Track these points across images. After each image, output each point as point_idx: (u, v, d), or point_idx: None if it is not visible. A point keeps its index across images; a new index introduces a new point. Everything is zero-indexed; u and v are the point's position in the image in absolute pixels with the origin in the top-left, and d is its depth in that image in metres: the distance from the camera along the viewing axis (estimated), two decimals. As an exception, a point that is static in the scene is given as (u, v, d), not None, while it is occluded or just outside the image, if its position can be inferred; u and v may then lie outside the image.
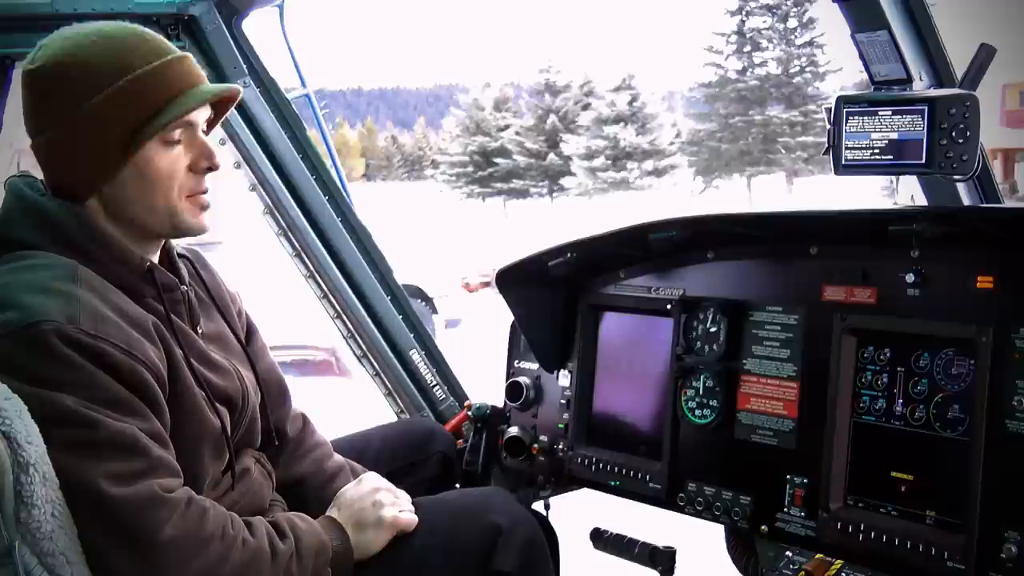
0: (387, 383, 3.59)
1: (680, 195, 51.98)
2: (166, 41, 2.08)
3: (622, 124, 53.90)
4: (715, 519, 2.60)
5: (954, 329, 2.16)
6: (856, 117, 2.36)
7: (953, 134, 2.22)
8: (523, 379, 3.11)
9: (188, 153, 2.06)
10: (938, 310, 2.19)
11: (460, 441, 3.23)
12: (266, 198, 3.36)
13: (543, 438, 3.07)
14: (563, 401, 3.02)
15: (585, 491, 3.04)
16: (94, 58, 1.97)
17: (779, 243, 2.52)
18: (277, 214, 3.38)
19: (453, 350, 3.92)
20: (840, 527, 2.29)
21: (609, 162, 53.61)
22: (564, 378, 3.04)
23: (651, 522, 2.92)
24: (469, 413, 3.25)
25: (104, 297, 1.91)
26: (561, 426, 3.01)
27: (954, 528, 2.11)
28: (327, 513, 2.28)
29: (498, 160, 61.45)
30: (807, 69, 53.54)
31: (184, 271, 2.22)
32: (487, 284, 16.56)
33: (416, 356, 3.58)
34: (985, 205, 2.63)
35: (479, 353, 5.25)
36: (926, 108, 2.25)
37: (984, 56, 2.34)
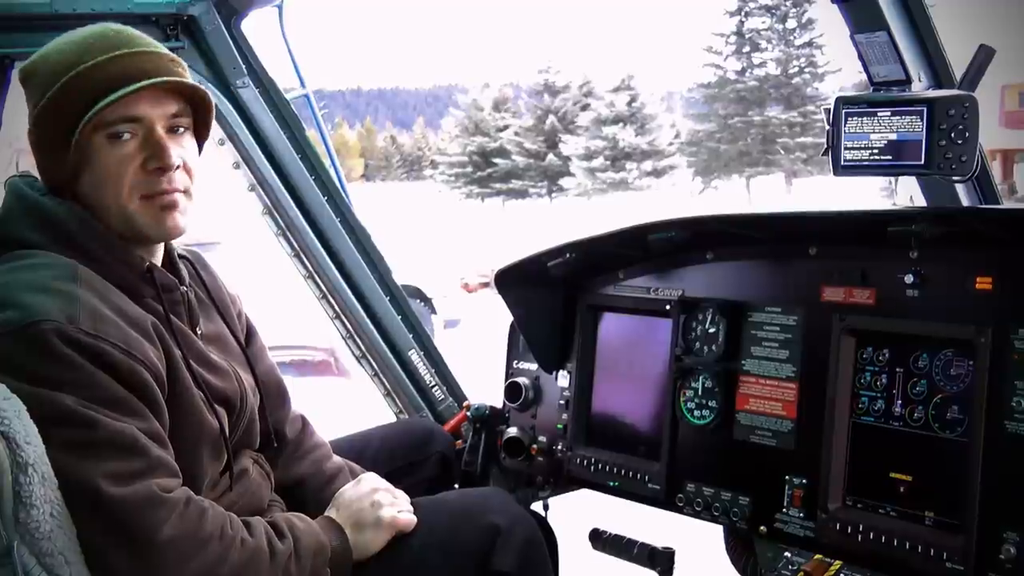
0: (386, 383, 3.59)
1: (679, 196, 51.99)
2: (139, 38, 2.06)
3: (621, 125, 53.94)
4: (714, 520, 2.60)
5: (953, 330, 2.16)
6: (855, 118, 2.36)
7: (952, 135, 2.22)
8: (522, 379, 3.11)
9: (141, 151, 2.01)
10: (937, 311, 2.19)
11: (459, 442, 3.22)
12: (265, 198, 3.36)
13: (542, 438, 3.07)
14: (562, 402, 3.02)
15: (584, 491, 3.04)
16: (55, 56, 2.01)
17: (778, 244, 2.52)
18: (276, 214, 3.38)
19: (452, 351, 3.92)
20: (839, 528, 2.29)
21: (608, 163, 53.65)
22: (563, 379, 3.04)
23: (650, 523, 2.92)
24: (468, 413, 3.25)
25: (104, 297, 1.91)
26: (560, 427, 3.01)
27: (953, 529, 2.11)
28: (326, 513, 2.28)
29: (497, 160, 61.47)
30: (806, 70, 53.64)
31: (184, 272, 2.22)
32: (486, 284, 16.56)
33: (415, 356, 3.58)
34: (984, 206, 2.63)
35: (478, 353, 5.24)
36: (925, 109, 2.25)
37: (983, 57, 2.34)
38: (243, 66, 3.23)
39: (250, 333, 2.50)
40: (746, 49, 54.28)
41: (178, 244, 2.27)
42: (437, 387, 3.60)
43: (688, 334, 2.67)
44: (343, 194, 3.49)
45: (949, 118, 2.23)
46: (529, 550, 2.32)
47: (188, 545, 1.85)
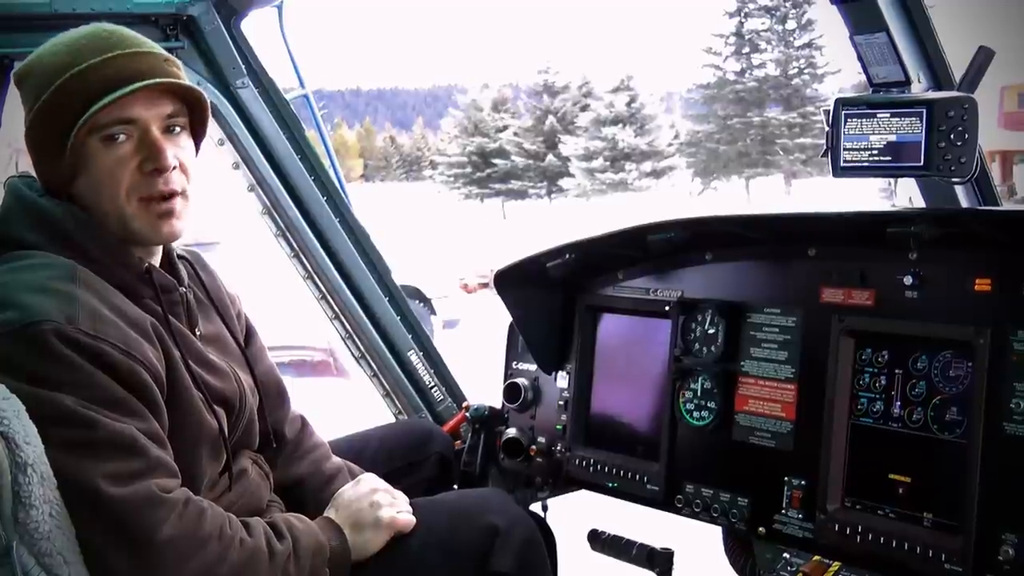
0: (385, 384, 3.59)
1: (678, 196, 51.98)
2: (132, 38, 2.05)
3: (620, 125, 53.88)
4: (713, 521, 2.60)
5: (952, 331, 2.16)
6: (854, 119, 2.36)
7: (951, 136, 2.22)
8: (521, 380, 3.11)
9: (137, 153, 2.01)
10: (936, 312, 2.19)
11: (458, 442, 3.23)
12: (264, 199, 3.36)
13: (541, 439, 3.07)
14: (561, 402, 3.02)
15: (583, 492, 3.04)
16: (46, 59, 2.01)
17: (777, 245, 2.52)
18: (275, 215, 3.38)
19: (451, 351, 3.92)
20: (838, 529, 2.29)
21: (607, 163, 53.61)
22: (562, 379, 3.04)
23: (649, 523, 2.92)
24: (467, 414, 3.25)
25: (103, 297, 1.91)
26: (559, 427, 3.01)
27: (952, 530, 2.11)
28: (325, 514, 2.28)
29: (496, 161, 61.42)
30: (806, 71, 53.63)
31: (183, 273, 2.22)
32: (485, 285, 16.57)
33: (414, 357, 3.58)
34: (983, 207, 2.63)
35: (477, 354, 5.24)
36: (924, 110, 2.26)
37: (983, 58, 2.34)
38: (242, 66, 3.23)
39: (249, 333, 2.50)
40: (745, 50, 54.28)
41: (177, 244, 2.27)
42: (436, 388, 3.60)
43: (687, 335, 2.67)
44: (342, 194, 3.49)
45: (948, 119, 2.23)
46: (528, 551, 2.32)
47: (187, 545, 1.85)
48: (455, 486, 3.05)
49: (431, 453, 2.92)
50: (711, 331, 2.61)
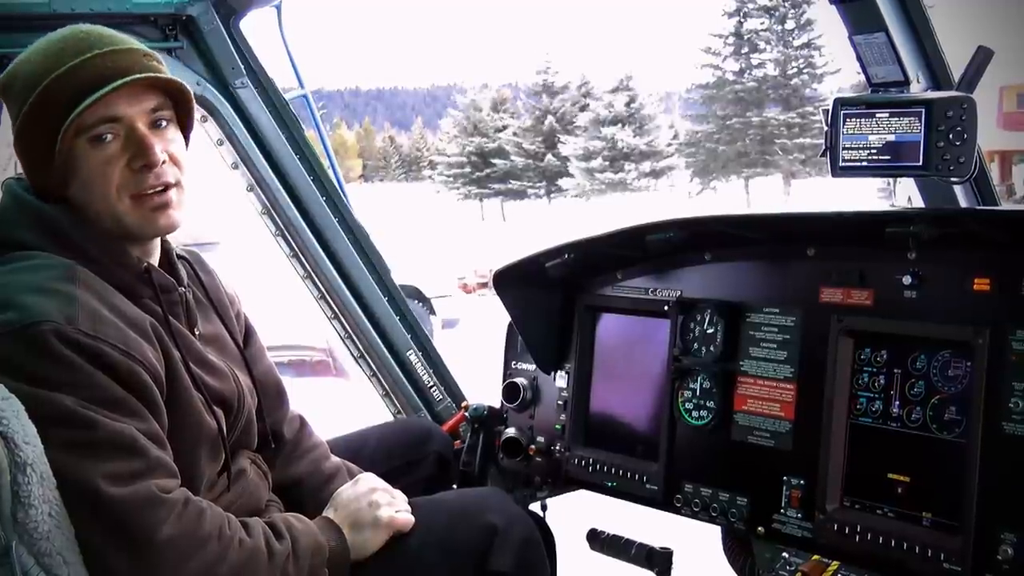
0: (384, 384, 3.59)
1: (677, 197, 52.02)
2: (111, 37, 2.03)
3: (620, 125, 53.90)
4: (712, 520, 2.60)
5: (951, 331, 2.16)
6: (853, 119, 2.36)
7: (950, 136, 2.22)
8: (520, 380, 3.12)
9: (125, 151, 2.00)
10: (935, 312, 2.19)
11: (457, 442, 3.23)
12: (263, 198, 3.36)
13: (540, 439, 3.07)
14: (560, 402, 3.02)
15: (582, 492, 3.04)
16: (29, 64, 2.00)
17: (776, 245, 2.52)
18: (274, 214, 3.38)
19: (450, 351, 3.92)
20: (837, 528, 2.29)
21: (607, 163, 53.62)
22: (561, 379, 3.04)
23: (648, 523, 2.92)
24: (466, 414, 3.25)
25: (102, 298, 1.91)
26: (558, 427, 3.01)
27: (950, 530, 2.11)
28: (324, 513, 2.28)
29: (495, 161, 61.44)
30: (805, 71, 53.58)
31: (183, 273, 2.22)
32: (484, 285, 16.58)
33: (413, 357, 3.58)
34: (982, 207, 2.63)
35: (476, 354, 5.24)
36: (923, 110, 2.26)
37: (981, 58, 2.34)
38: (241, 66, 3.23)
39: (249, 333, 2.50)
40: (744, 50, 54.22)
41: (177, 244, 2.27)
42: (435, 387, 3.60)
43: (686, 335, 2.67)
44: (341, 194, 3.49)
45: (947, 119, 2.23)
46: (527, 550, 2.32)
47: (187, 545, 1.85)
48: (454, 486, 3.05)
49: (430, 452, 2.93)
50: (710, 331, 2.61)
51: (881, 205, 2.62)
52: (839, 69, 51.55)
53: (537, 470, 3.11)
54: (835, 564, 2.34)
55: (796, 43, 53.70)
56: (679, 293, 2.72)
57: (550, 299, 3.01)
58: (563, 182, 57.20)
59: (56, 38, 2.02)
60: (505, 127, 63.39)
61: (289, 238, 3.41)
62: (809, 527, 2.36)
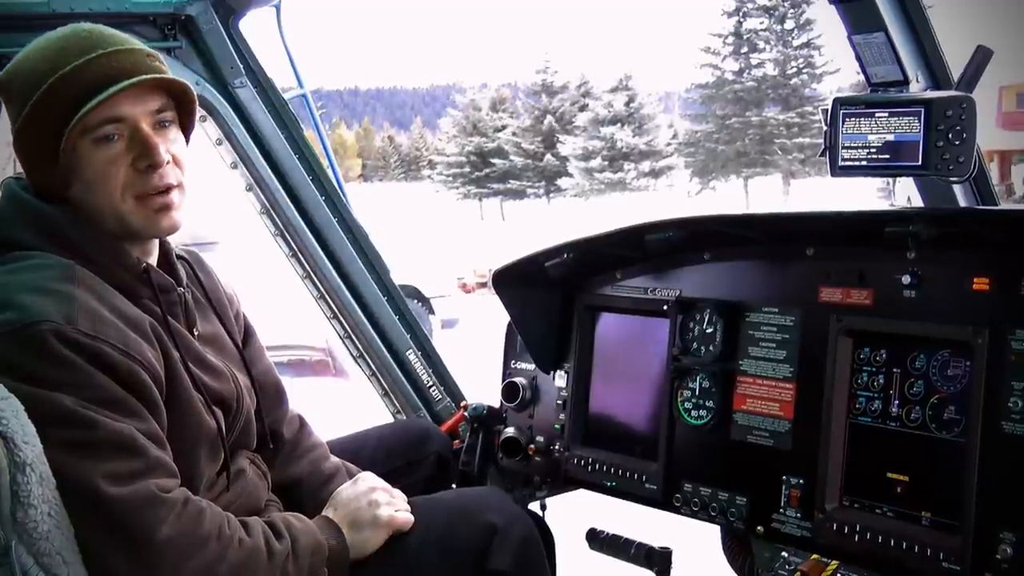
0: (383, 383, 3.59)
1: (677, 196, 52.01)
2: (113, 36, 2.03)
3: (619, 125, 53.90)
4: (711, 520, 2.60)
5: (950, 331, 2.16)
6: (853, 119, 2.36)
7: (949, 136, 2.22)
8: (519, 380, 3.12)
9: (130, 151, 2.00)
10: (934, 312, 2.19)
11: (456, 442, 3.23)
12: (262, 198, 3.36)
13: (539, 438, 3.07)
14: (559, 402, 3.02)
15: (581, 491, 3.04)
16: (29, 62, 1.99)
17: (775, 244, 2.52)
18: (274, 214, 3.38)
19: (450, 350, 3.92)
20: (836, 528, 2.29)
21: (606, 163, 53.62)
22: (560, 379, 3.04)
23: (647, 523, 2.92)
24: (465, 413, 3.25)
25: (101, 298, 1.91)
26: (557, 427, 3.01)
27: (950, 529, 2.11)
28: (323, 513, 2.28)
29: (495, 161, 61.45)
30: (804, 70, 53.54)
31: (182, 273, 2.22)
32: (484, 284, 16.58)
33: (412, 356, 3.58)
34: (981, 207, 2.63)
35: (476, 354, 5.24)
36: (923, 110, 2.26)
37: (981, 58, 2.34)
38: (241, 66, 3.23)
39: (248, 333, 2.50)
40: (744, 50, 54.17)
41: (176, 244, 2.27)
42: (434, 387, 3.60)
43: (685, 334, 2.67)
44: (341, 194, 3.49)
45: (947, 119, 2.23)
46: (526, 549, 2.32)
47: (186, 544, 1.85)
48: (453, 485, 3.05)
49: (429, 452, 2.93)
50: (709, 330, 2.61)
51: (880, 205, 2.62)
52: (838, 69, 51.55)
53: (536, 470, 3.11)
54: (834, 563, 2.34)
55: (795, 43, 53.66)
56: (678, 293, 2.72)
57: (549, 299, 3.01)
58: (562, 182, 57.21)
59: (57, 36, 2.01)
60: (504, 127, 63.40)
61: (288, 238, 3.41)
62: (808, 526, 2.36)
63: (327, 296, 3.49)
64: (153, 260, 2.13)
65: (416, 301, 12.77)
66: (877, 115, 2.32)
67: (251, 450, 2.36)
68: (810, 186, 49.81)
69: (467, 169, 63.21)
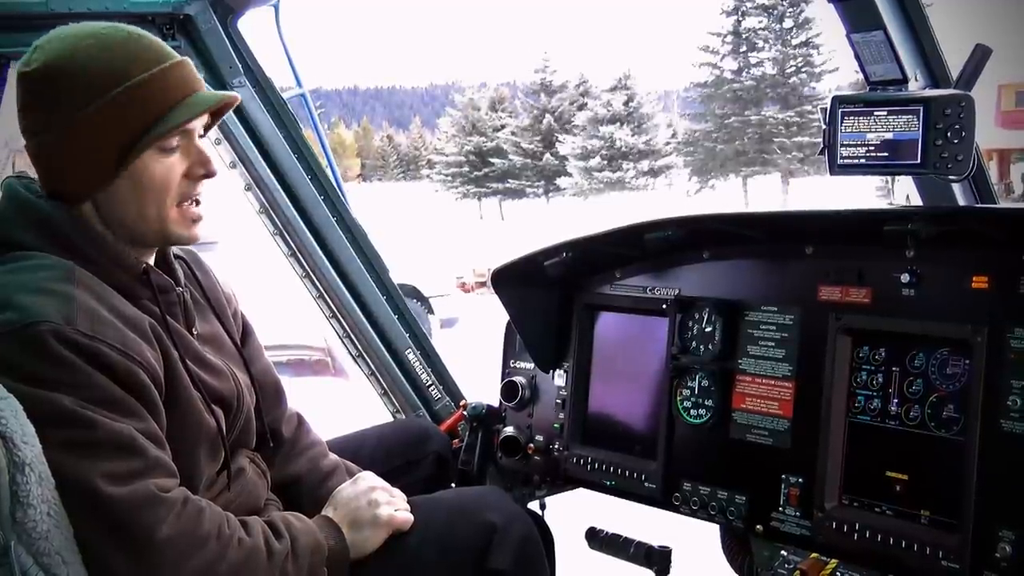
0: (383, 383, 3.59)
1: (676, 195, 52.02)
2: (164, 45, 2.06)
3: (618, 124, 53.93)
4: (710, 519, 2.60)
5: (949, 329, 2.16)
6: (852, 117, 2.35)
7: (948, 134, 2.22)
8: (519, 379, 3.12)
9: (184, 160, 2.05)
10: (933, 310, 2.19)
11: (456, 441, 3.23)
12: (261, 198, 3.36)
13: (539, 438, 3.07)
14: (559, 401, 3.02)
15: (581, 490, 3.05)
16: (91, 63, 1.95)
17: (774, 243, 2.52)
18: (272, 214, 3.38)
19: (449, 350, 3.92)
20: (835, 527, 2.29)
21: (605, 162, 53.65)
22: (560, 378, 3.04)
23: (647, 522, 2.92)
24: (465, 413, 3.25)
25: (101, 298, 1.91)
26: (557, 426, 3.01)
27: (949, 527, 2.11)
28: (323, 512, 2.28)
29: (494, 160, 61.49)
30: (803, 69, 53.51)
31: (180, 272, 2.22)
32: (483, 284, 16.58)
33: (412, 356, 3.58)
34: (980, 205, 2.63)
35: (475, 353, 5.24)
36: (921, 108, 2.25)
37: (980, 56, 2.34)
38: (239, 65, 3.23)
39: (246, 332, 2.50)
40: (743, 49, 54.14)
41: (175, 244, 2.27)
42: (434, 386, 3.60)
43: (685, 333, 2.67)
44: (340, 193, 3.49)
45: (945, 117, 2.22)
46: (526, 548, 2.32)
47: (186, 544, 1.85)
48: (453, 485, 3.05)
49: (429, 452, 2.92)
50: (708, 329, 2.61)
51: (879, 204, 2.62)
52: (837, 67, 51.54)
53: (536, 469, 3.11)
54: (833, 562, 2.34)
55: (794, 42, 53.63)
56: (677, 292, 2.72)
57: (548, 298, 3.02)
58: (561, 181, 57.23)
59: (113, 39, 1.99)
60: (503, 126, 63.44)
61: (287, 237, 3.41)
62: (808, 525, 2.36)
63: (326, 295, 3.49)
64: (151, 260, 2.13)
65: (415, 300, 12.76)
66: (876, 114, 2.32)
67: (250, 449, 2.36)
68: (809, 185, 49.82)
69: (466, 169, 63.24)
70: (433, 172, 67.84)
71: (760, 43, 54.11)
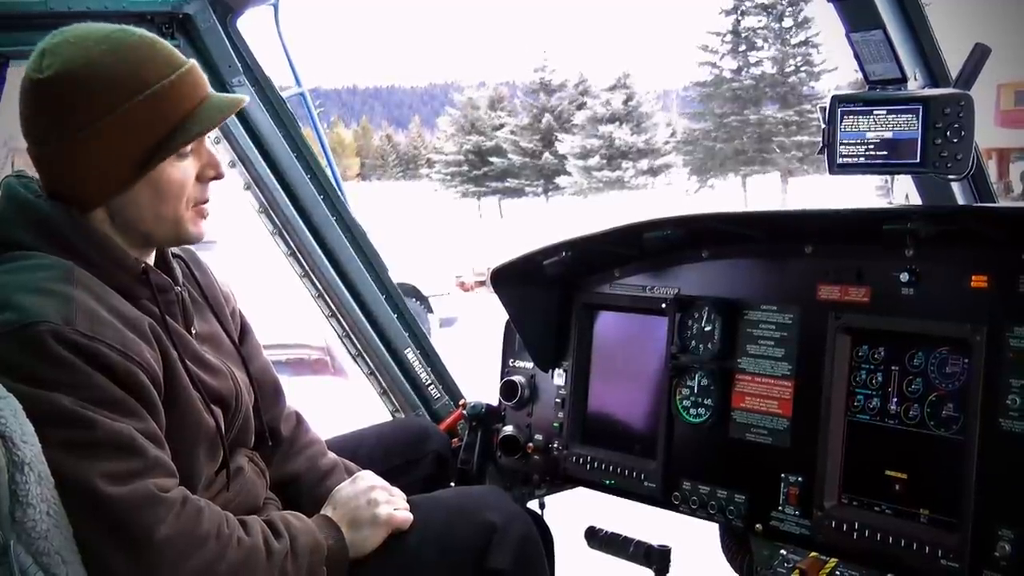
0: (382, 382, 3.59)
1: (675, 194, 51.98)
2: (174, 49, 2.06)
3: (617, 123, 53.88)
4: (710, 518, 2.60)
5: (948, 328, 2.16)
6: (851, 116, 2.36)
7: (948, 133, 2.22)
8: (518, 378, 3.12)
9: (196, 163, 2.07)
10: (932, 309, 2.19)
11: (455, 440, 3.23)
12: (261, 197, 3.36)
13: (538, 437, 3.07)
14: (558, 400, 3.02)
15: (580, 490, 3.05)
16: (107, 70, 1.94)
17: (774, 242, 2.52)
18: (272, 213, 3.38)
19: (448, 349, 3.92)
20: (834, 526, 2.29)
21: (604, 161, 53.61)
22: (559, 377, 3.04)
23: (646, 521, 2.92)
24: (464, 412, 3.25)
25: (100, 298, 1.91)
26: (556, 425, 3.01)
27: (948, 526, 2.12)
28: (322, 512, 2.28)
29: (493, 159, 61.46)
30: (802, 68, 53.48)
31: (178, 272, 2.22)
32: (482, 283, 16.58)
33: (411, 355, 3.58)
34: (979, 204, 2.63)
35: (474, 352, 5.24)
36: (921, 107, 2.25)
37: (979, 55, 2.34)
38: (239, 65, 3.22)
39: (244, 331, 2.50)
40: (742, 48, 54.08)
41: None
42: (433, 385, 3.60)
43: (684, 332, 2.67)
44: (339, 193, 3.49)
45: (945, 116, 2.22)
46: (525, 547, 2.32)
47: (185, 544, 1.85)
48: (452, 484, 3.05)
49: (428, 451, 2.92)
50: (708, 328, 2.61)
51: (879, 203, 2.62)
52: (836, 67, 51.49)
53: (535, 468, 3.11)
54: (833, 561, 2.34)
55: (793, 41, 53.59)
56: (677, 291, 2.72)
57: (548, 297, 3.02)
58: (561, 180, 57.19)
59: (126, 43, 1.98)
60: (502, 125, 63.39)
61: (287, 236, 3.41)
62: (807, 524, 2.36)
63: (325, 295, 3.49)
64: (151, 260, 2.13)
65: (414, 300, 12.77)
66: (875, 113, 2.32)
67: (249, 448, 2.36)
68: (808, 184, 49.76)
69: (465, 168, 63.22)
70: (432, 171, 67.81)
71: (759, 42, 54.07)
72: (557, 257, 2.84)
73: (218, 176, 2.12)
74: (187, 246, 2.32)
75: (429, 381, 3.60)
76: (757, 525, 2.48)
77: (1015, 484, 2.01)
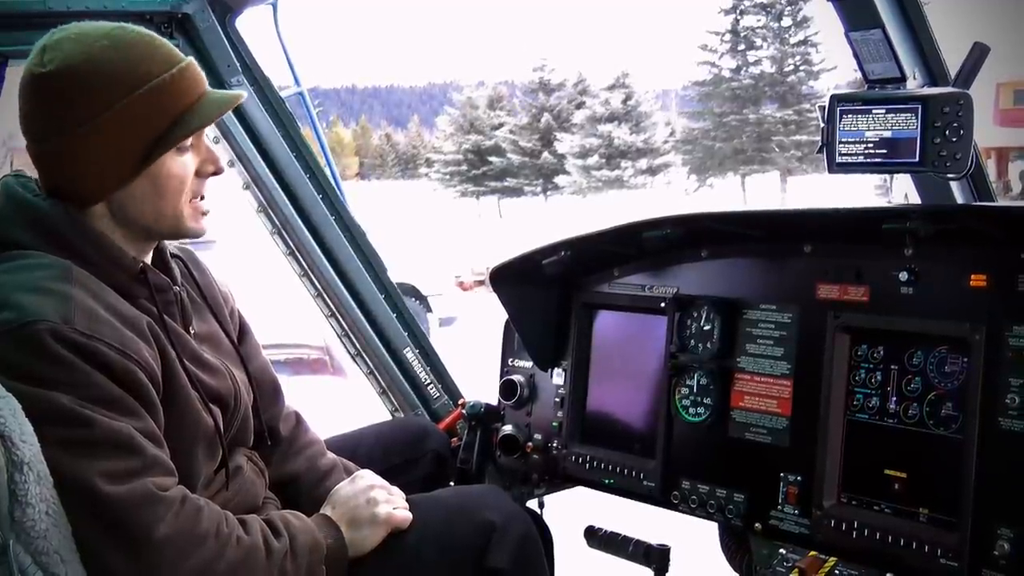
0: (381, 382, 3.59)
1: (674, 194, 51.99)
2: (172, 46, 2.07)
3: (616, 122, 53.90)
4: (709, 517, 2.60)
5: (947, 327, 2.17)
6: (850, 115, 2.36)
7: (947, 132, 2.22)
8: (517, 377, 3.12)
9: (195, 158, 2.08)
10: (931, 308, 2.19)
11: (454, 439, 3.22)
12: (260, 196, 3.35)
13: (537, 436, 3.07)
14: (557, 399, 3.02)
15: (579, 489, 3.05)
16: (108, 66, 1.95)
17: (773, 241, 2.52)
18: (271, 213, 3.37)
19: (447, 348, 3.92)
20: (834, 525, 2.29)
21: (603, 160, 53.62)
22: (558, 376, 3.04)
23: (645, 520, 2.92)
24: (463, 411, 3.25)
25: (98, 297, 1.91)
26: (555, 424, 3.01)
27: (947, 525, 2.12)
28: (321, 511, 2.28)
29: (492, 159, 61.45)
30: (801, 68, 53.50)
31: (177, 271, 2.22)
32: (481, 282, 16.57)
33: (410, 354, 3.58)
34: (978, 204, 2.63)
35: (473, 351, 5.24)
36: (920, 106, 2.25)
37: (978, 55, 2.34)
38: (237, 64, 3.22)
39: (243, 330, 2.50)
40: (741, 47, 54.10)
41: (172, 243, 2.27)
42: (432, 385, 3.60)
43: (683, 331, 2.67)
44: (338, 192, 3.48)
45: (944, 115, 2.22)
46: (524, 547, 2.32)
47: (184, 543, 1.85)
48: (451, 483, 3.05)
49: (427, 450, 2.92)
50: (707, 328, 2.61)
51: (878, 202, 2.62)
52: (835, 66, 51.52)
53: (534, 467, 3.11)
54: (832, 560, 2.34)
55: (792, 40, 53.61)
56: (676, 290, 2.72)
57: (547, 296, 3.02)
58: (560, 179, 57.20)
59: (126, 40, 1.99)
60: (501, 125, 63.39)
61: (286, 236, 3.41)
62: (806, 523, 2.36)
63: (325, 294, 3.48)
64: (149, 259, 2.13)
65: (414, 299, 12.77)
66: (874, 112, 2.32)
67: (248, 447, 2.36)
68: (807, 183, 49.76)
69: (464, 167, 63.22)
70: (431, 171, 67.78)
71: (758, 41, 54.09)
72: (556, 256, 2.84)
73: (217, 171, 2.13)
74: (186, 247, 2.33)
75: (428, 380, 3.59)
76: (756, 524, 2.48)
77: (1014, 483, 2.01)
